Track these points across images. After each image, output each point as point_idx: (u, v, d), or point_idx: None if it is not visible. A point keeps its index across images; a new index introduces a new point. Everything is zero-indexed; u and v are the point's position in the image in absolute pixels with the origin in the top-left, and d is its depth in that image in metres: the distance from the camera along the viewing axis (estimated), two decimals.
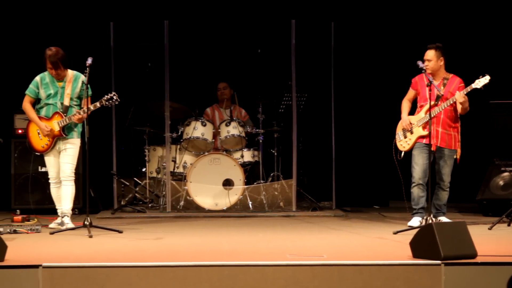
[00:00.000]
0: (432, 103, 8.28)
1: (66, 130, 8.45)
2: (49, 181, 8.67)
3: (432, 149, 8.40)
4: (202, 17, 11.17)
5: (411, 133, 8.61)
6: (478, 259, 6.21)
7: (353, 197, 11.27)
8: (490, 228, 8.32)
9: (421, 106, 8.62)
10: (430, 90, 7.98)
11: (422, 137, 8.51)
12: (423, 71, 8.13)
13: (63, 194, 8.50)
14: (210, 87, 11.21)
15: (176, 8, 11.04)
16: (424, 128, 8.46)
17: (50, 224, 8.63)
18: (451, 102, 8.40)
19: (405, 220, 8.81)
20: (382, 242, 7.53)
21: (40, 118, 8.47)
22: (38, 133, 8.49)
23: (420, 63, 8.15)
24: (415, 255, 6.33)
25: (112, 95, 8.36)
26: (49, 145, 8.48)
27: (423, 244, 6.28)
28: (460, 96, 8.28)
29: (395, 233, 7.88)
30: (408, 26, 11.31)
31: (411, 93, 8.79)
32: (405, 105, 8.78)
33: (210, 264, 6.10)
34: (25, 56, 10.74)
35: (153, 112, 10.55)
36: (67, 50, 10.22)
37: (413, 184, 8.59)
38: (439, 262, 6.08)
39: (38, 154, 8.65)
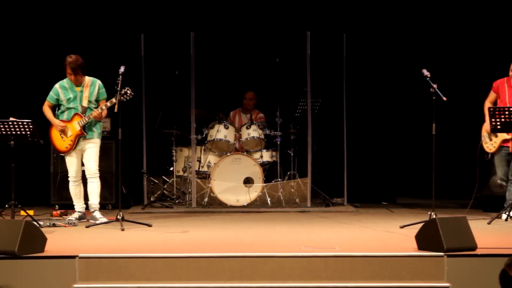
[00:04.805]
0: None
1: (86, 129, 8.42)
2: (69, 179, 8.58)
3: (510, 151, 8.59)
4: (225, 29, 11.19)
5: (496, 136, 8.56)
6: (478, 251, 6.20)
7: (363, 194, 11.22)
8: (489, 223, 8.27)
9: None
10: (434, 97, 7.94)
11: (506, 140, 8.51)
12: (427, 79, 8.03)
13: (91, 190, 8.48)
14: (232, 93, 11.22)
15: (201, 21, 11.05)
16: (508, 133, 8.48)
17: (69, 217, 8.58)
18: None
19: (411, 214, 8.78)
20: (390, 235, 7.49)
21: (62, 121, 8.44)
22: (60, 135, 8.45)
23: (425, 71, 8.04)
24: (420, 247, 6.31)
25: (126, 89, 8.24)
26: (72, 145, 8.41)
27: (427, 237, 6.25)
28: None
29: (402, 227, 7.83)
30: (412, 37, 11.29)
31: (492, 96, 8.71)
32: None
33: (231, 255, 6.11)
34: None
35: (182, 116, 10.56)
36: (102, 59, 10.30)
37: (500, 182, 8.59)
38: (442, 254, 6.06)
39: (62, 155, 8.58)
